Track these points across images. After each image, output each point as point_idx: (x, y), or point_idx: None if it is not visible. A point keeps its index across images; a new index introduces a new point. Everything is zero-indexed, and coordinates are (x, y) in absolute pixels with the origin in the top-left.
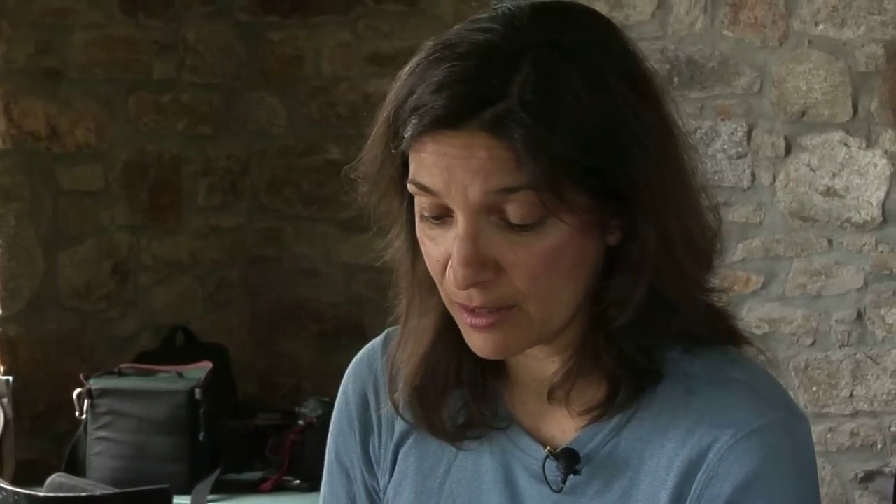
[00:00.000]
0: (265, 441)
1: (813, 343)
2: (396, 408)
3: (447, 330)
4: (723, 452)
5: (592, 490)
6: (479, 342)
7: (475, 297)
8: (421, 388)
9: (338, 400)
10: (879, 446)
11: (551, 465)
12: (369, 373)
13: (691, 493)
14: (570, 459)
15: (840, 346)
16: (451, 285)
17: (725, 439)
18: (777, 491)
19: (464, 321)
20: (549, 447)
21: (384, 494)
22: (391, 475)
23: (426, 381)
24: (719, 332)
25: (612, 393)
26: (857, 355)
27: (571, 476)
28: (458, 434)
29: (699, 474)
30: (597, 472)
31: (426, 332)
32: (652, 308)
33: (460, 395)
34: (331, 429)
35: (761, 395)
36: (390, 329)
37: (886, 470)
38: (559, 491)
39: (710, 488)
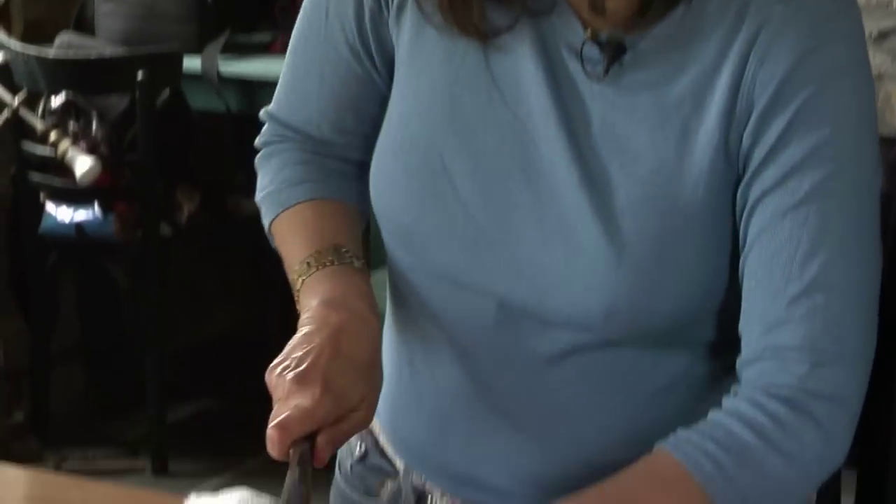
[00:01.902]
0: (274, 2)
1: None
2: (421, 7)
3: None
4: (773, 30)
5: (640, 78)
6: None
7: None
8: None
9: None
10: (895, 5)
11: (593, 51)
12: None
13: (743, 79)
14: (614, 48)
15: None
16: None
17: (776, 15)
18: (830, 63)
19: None
20: (590, 29)
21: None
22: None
23: None
24: None
25: None
26: None
27: (615, 65)
28: (490, 23)
29: (751, 57)
30: (642, 61)
31: None
32: None
33: None
34: None
35: None
36: None
37: None
38: (601, 80)
39: (763, 70)
